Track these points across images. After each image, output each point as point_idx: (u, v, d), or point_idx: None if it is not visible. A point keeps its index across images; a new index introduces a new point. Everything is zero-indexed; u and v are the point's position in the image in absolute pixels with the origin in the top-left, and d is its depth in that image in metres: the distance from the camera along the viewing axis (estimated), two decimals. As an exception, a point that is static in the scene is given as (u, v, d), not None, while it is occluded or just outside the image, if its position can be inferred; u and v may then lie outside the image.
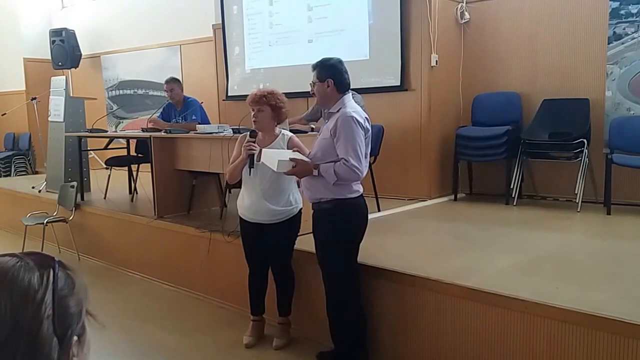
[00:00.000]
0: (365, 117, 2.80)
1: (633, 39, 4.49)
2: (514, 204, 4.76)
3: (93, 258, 5.40)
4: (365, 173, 2.79)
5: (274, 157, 2.82)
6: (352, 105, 2.80)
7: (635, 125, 4.49)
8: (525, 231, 4.00)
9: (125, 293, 4.47)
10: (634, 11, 4.48)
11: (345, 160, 2.67)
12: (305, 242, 3.32)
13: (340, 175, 2.69)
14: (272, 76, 6.14)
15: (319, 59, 2.89)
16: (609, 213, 4.31)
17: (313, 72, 2.85)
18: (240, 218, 3.28)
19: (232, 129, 4.14)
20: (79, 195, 5.58)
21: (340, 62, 2.85)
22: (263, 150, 2.95)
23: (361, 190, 2.87)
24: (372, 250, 2.98)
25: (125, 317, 3.86)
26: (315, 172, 2.78)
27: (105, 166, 6.34)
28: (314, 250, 2.98)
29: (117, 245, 5.15)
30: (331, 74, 2.79)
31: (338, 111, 2.77)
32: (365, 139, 2.76)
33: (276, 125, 3.17)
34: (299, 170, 2.81)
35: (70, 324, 0.76)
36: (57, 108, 6.43)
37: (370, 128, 2.82)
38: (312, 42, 5.78)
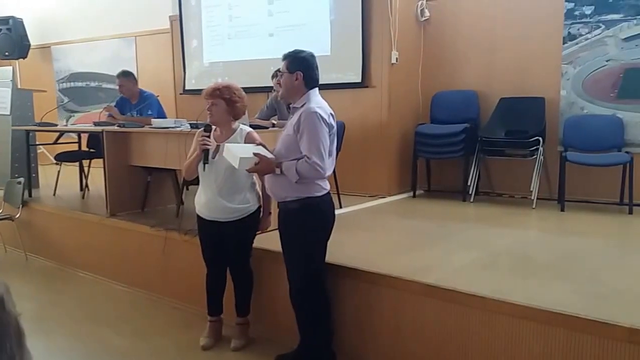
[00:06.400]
0: (330, 113, 2.70)
1: (587, 39, 4.62)
2: (471, 200, 4.83)
3: (42, 258, 5.17)
4: (330, 170, 2.71)
5: (236, 153, 2.72)
6: (317, 101, 2.70)
7: (588, 124, 4.63)
8: (482, 228, 4.06)
9: (77, 295, 4.29)
10: (588, 12, 4.60)
11: (307, 157, 2.59)
12: (264, 240, 3.26)
13: (302, 173, 2.61)
14: (231, 70, 6.02)
15: (291, 50, 2.78)
16: (562, 210, 4.43)
17: (283, 62, 2.75)
18: (198, 216, 3.19)
19: (190, 123, 4.02)
20: (26, 192, 5.35)
21: (312, 56, 2.77)
22: (226, 145, 2.86)
23: (328, 187, 2.78)
24: (333, 247, 2.94)
25: (77, 321, 3.70)
26: (277, 170, 2.70)
27: (55, 161, 6.09)
28: (272, 248, 2.91)
29: (67, 245, 4.95)
30: (302, 67, 2.70)
31: (302, 106, 2.68)
32: (330, 135, 2.67)
33: (233, 120, 3.08)
34: (262, 167, 2.72)
35: None
36: (3, 100, 6.13)
37: (335, 124, 2.72)
38: (273, 36, 5.69)
